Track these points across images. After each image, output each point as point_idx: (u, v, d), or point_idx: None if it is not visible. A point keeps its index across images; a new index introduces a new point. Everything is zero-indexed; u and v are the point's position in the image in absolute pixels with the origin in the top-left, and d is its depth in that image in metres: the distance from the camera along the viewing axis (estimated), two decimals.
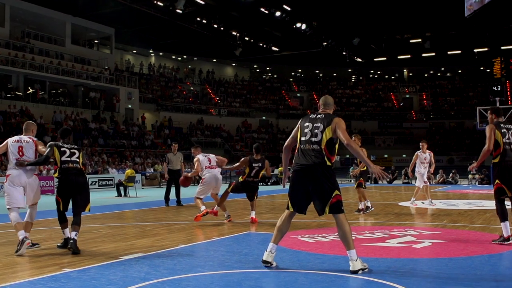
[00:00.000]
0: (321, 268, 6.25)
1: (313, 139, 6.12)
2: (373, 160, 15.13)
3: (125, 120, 40.69)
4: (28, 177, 7.67)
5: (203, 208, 10.90)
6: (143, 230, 9.93)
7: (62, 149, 7.71)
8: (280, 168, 35.28)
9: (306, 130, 6.21)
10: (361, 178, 13.08)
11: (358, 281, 5.59)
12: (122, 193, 22.09)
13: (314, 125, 6.17)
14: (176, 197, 16.04)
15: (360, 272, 5.88)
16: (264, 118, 57.84)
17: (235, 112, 55.22)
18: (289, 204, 6.26)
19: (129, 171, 23.16)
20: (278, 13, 35.68)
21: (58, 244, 7.86)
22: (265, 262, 6.24)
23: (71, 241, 7.33)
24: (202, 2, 34.01)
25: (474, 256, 7.00)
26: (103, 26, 41.44)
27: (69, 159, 7.67)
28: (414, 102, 62.78)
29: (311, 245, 7.97)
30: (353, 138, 12.84)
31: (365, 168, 12.93)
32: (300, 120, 6.45)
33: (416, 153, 15.10)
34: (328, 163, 6.05)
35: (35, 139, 8.00)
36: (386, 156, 52.42)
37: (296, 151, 6.29)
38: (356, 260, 5.93)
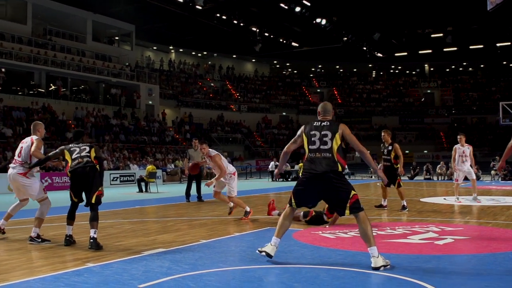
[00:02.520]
0: (342, 264, 6.23)
1: (323, 147, 6.25)
2: None
3: (146, 116, 40.93)
4: (12, 176, 8.25)
5: (248, 208, 10.97)
6: (164, 226, 9.98)
7: (72, 149, 7.92)
8: (300, 164, 35.26)
9: (314, 139, 6.32)
10: (399, 177, 12.55)
11: (379, 277, 5.56)
12: (143, 189, 22.23)
13: (322, 133, 6.30)
14: (197, 192, 16.11)
15: (382, 268, 5.86)
16: (284, 114, 57.80)
17: (255, 108, 55.24)
18: (293, 202, 6.45)
19: (150, 167, 23.30)
20: (298, 9, 35.61)
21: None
22: (268, 255, 6.39)
23: (91, 240, 7.34)
24: None
25: (497, 253, 6.92)
26: (123, 23, 41.74)
27: (79, 155, 7.79)
28: (436, 97, 62.26)
29: (332, 241, 7.95)
30: (383, 134, 12.72)
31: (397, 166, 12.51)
32: (302, 127, 6.56)
33: (454, 147, 14.38)
34: (340, 169, 6.18)
35: (35, 138, 8.32)
36: (407, 152, 51.96)
37: (306, 158, 6.41)
38: (378, 257, 5.93)
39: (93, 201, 7.61)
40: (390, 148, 12.52)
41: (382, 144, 12.91)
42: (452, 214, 11.94)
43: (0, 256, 6.88)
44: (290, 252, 6.95)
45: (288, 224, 6.56)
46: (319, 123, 6.40)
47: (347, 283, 5.31)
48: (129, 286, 5.25)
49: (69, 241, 7.71)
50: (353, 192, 6.14)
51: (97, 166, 7.80)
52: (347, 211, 6.12)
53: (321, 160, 6.19)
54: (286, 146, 6.70)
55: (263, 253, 6.41)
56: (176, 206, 14.96)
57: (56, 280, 5.52)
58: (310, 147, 6.33)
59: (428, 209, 13.06)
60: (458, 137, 14.56)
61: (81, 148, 7.88)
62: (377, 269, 5.86)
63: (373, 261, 5.92)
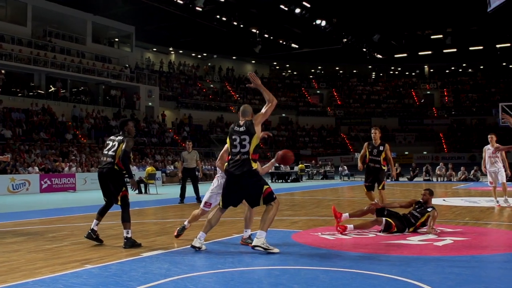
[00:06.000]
0: (341, 265, 6.22)
1: (242, 150, 7.11)
2: (393, 157, 13.57)
3: (146, 118, 40.94)
4: None
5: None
6: (163, 227, 9.97)
7: (107, 141, 8.01)
8: (300, 166, 35.23)
9: (235, 143, 7.18)
10: (385, 180, 11.87)
11: (378, 278, 5.54)
12: (143, 190, 22.25)
13: (241, 137, 7.17)
14: (195, 194, 16.07)
15: (260, 248, 6.78)
16: (283, 115, 57.81)
17: (255, 110, 54.83)
18: (221, 203, 7.26)
19: (149, 169, 23.31)
20: (297, 10, 35.72)
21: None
22: (193, 247, 7.15)
23: (125, 240, 7.57)
24: (222, 0, 34.05)
25: (496, 254, 6.92)
26: (123, 24, 41.79)
27: (106, 152, 7.85)
28: (435, 98, 62.33)
29: (331, 242, 7.93)
30: (374, 131, 11.95)
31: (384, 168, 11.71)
32: (230, 128, 7.47)
33: (484, 148, 13.59)
34: (254, 167, 7.06)
35: None
36: (406, 153, 52.06)
37: (228, 159, 7.25)
38: (260, 239, 6.85)
39: (118, 203, 7.75)
40: (381, 148, 11.59)
41: (367, 143, 11.95)
42: (451, 215, 11.92)
43: None
44: (289, 254, 6.95)
45: (214, 222, 7.30)
46: (239, 128, 7.29)
47: (346, 285, 5.30)
48: (128, 287, 5.24)
49: (90, 235, 7.84)
50: (265, 187, 7.07)
51: (116, 167, 7.69)
52: (261, 201, 7.04)
53: (240, 162, 7.03)
54: (223, 151, 7.75)
55: (195, 249, 7.12)
56: (175, 207, 14.95)
57: (55, 282, 5.51)
58: (232, 150, 7.18)
59: None
60: (489, 136, 13.70)
61: (113, 143, 7.84)
62: (254, 247, 6.86)
63: (255, 240, 6.89)
